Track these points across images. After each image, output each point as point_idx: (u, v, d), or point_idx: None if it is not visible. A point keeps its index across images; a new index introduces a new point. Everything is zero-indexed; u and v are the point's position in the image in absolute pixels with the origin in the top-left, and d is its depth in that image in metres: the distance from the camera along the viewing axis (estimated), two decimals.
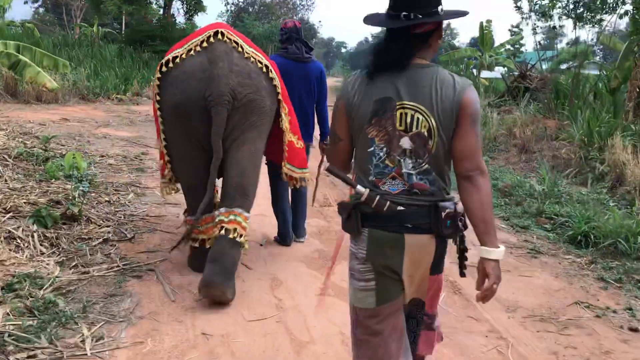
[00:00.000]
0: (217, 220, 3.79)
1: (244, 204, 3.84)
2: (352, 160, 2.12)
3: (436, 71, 1.93)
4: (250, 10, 50.00)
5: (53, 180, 5.78)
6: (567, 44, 32.05)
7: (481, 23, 21.57)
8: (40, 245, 4.26)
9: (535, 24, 15.19)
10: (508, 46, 25.43)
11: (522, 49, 35.62)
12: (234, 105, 3.71)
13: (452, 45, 57.55)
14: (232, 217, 3.75)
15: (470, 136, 1.91)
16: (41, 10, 49.63)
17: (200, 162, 3.88)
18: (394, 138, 1.91)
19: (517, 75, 17.05)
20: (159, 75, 3.84)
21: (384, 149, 1.93)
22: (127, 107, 14.29)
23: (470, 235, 1.99)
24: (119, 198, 5.86)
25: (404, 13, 1.89)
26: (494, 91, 21.46)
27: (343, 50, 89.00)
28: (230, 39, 3.84)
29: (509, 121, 11.12)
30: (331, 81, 42.62)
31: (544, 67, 18.12)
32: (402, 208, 1.91)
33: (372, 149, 1.95)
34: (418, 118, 1.89)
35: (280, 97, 4.07)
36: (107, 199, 5.76)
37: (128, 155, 7.91)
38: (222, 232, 3.68)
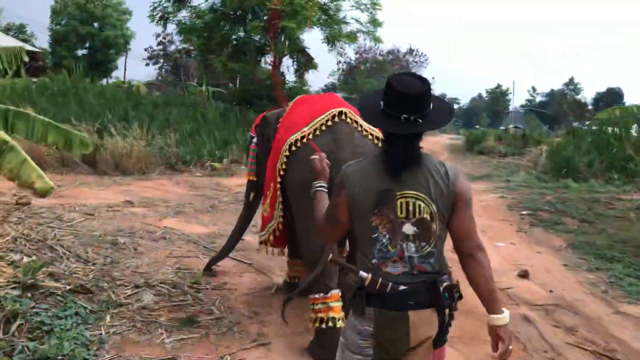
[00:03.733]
0: None
1: None
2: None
3: (427, 159, 2.08)
4: (362, 67, 47.79)
5: None
6: None
7: None
8: None
9: None
10: None
11: None
12: None
13: (578, 101, 52.01)
14: None
15: (467, 219, 2.08)
16: (163, 71, 50.20)
17: None
18: (396, 225, 2.01)
19: None
20: (287, 153, 3.81)
21: (387, 236, 2.02)
22: (218, 179, 11.48)
23: None
24: None
25: (404, 115, 1.99)
26: None
27: (455, 106, 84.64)
28: (351, 119, 3.83)
29: None
30: (442, 139, 39.36)
31: None
32: (404, 287, 1.99)
33: (375, 235, 2.03)
34: (420, 205, 2.01)
35: None
36: None
37: (180, 284, 4.76)
38: None
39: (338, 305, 3.73)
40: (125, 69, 36.77)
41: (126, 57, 37.20)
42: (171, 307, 4.30)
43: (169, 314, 4.16)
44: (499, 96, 72.73)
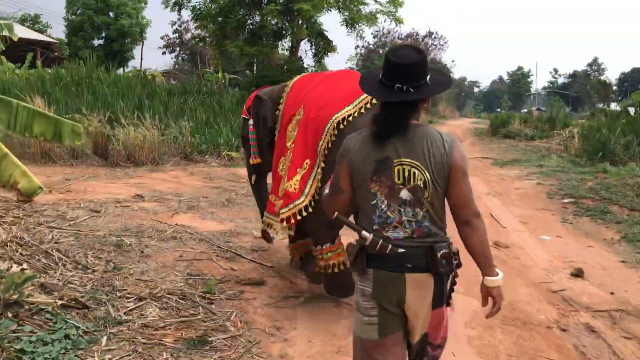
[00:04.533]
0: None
1: None
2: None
3: (426, 129, 2.17)
4: (381, 52, 46.71)
5: None
6: None
7: None
8: None
9: None
10: None
11: None
12: None
13: (602, 81, 50.39)
14: None
15: (462, 187, 2.16)
16: (180, 60, 49.54)
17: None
18: (394, 191, 2.11)
19: None
20: (336, 132, 3.77)
21: (385, 202, 2.12)
22: (235, 169, 10.80)
23: None
24: None
25: (397, 85, 2.08)
26: None
27: (475, 89, 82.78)
28: None
29: None
30: (464, 122, 38.29)
31: None
32: (402, 250, 2.10)
33: (374, 201, 2.14)
34: (414, 172, 2.10)
35: None
36: None
37: (190, 295, 4.13)
38: None
39: (344, 251, 3.82)
40: (141, 58, 36.15)
41: (142, 46, 36.62)
42: (179, 323, 3.66)
43: (176, 333, 3.52)
44: (520, 78, 71.04)
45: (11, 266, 4.06)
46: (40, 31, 34.58)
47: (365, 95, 3.73)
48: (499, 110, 57.21)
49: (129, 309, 3.76)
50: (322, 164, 3.84)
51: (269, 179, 4.61)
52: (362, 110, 3.79)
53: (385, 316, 2.15)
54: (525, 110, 42.46)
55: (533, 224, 7.25)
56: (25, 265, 4.12)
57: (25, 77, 17.71)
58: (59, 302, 3.56)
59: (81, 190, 7.70)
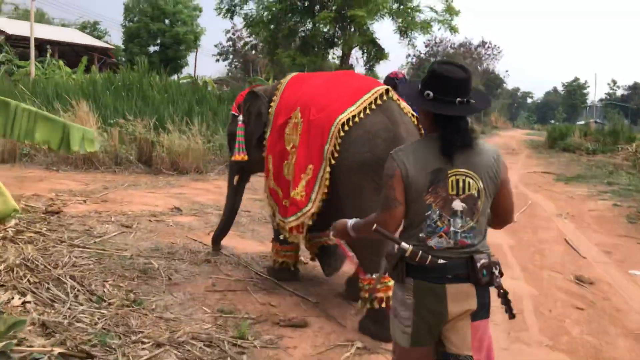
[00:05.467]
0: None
1: None
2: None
3: (476, 140, 2.14)
4: (432, 60, 45.45)
5: None
6: None
7: None
8: None
9: None
10: None
11: None
12: None
13: None
14: None
15: (510, 195, 2.22)
16: (233, 68, 49.58)
17: None
18: (447, 202, 2.06)
19: None
20: (342, 133, 3.63)
21: (437, 212, 2.07)
22: None
23: None
24: None
25: (458, 99, 2.06)
26: None
27: (529, 100, 79.95)
28: (396, 98, 3.81)
29: None
30: (517, 134, 36.61)
31: None
32: (443, 261, 2.05)
33: (429, 212, 2.08)
34: (469, 182, 2.07)
35: None
36: None
37: (217, 340, 3.35)
38: None
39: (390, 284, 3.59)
40: (195, 66, 36.22)
41: (196, 53, 36.63)
42: None
43: None
44: (576, 90, 68.11)
45: (12, 297, 3.42)
46: (99, 37, 35.07)
47: (370, 95, 3.70)
48: (552, 121, 54.95)
49: (142, 358, 3.04)
50: (328, 168, 3.67)
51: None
52: (367, 111, 3.68)
53: (418, 328, 2.10)
54: (582, 122, 40.46)
55: (618, 255, 6.20)
56: (29, 297, 3.47)
57: (80, 81, 17.65)
58: (57, 351, 2.87)
59: (117, 200, 7.13)
